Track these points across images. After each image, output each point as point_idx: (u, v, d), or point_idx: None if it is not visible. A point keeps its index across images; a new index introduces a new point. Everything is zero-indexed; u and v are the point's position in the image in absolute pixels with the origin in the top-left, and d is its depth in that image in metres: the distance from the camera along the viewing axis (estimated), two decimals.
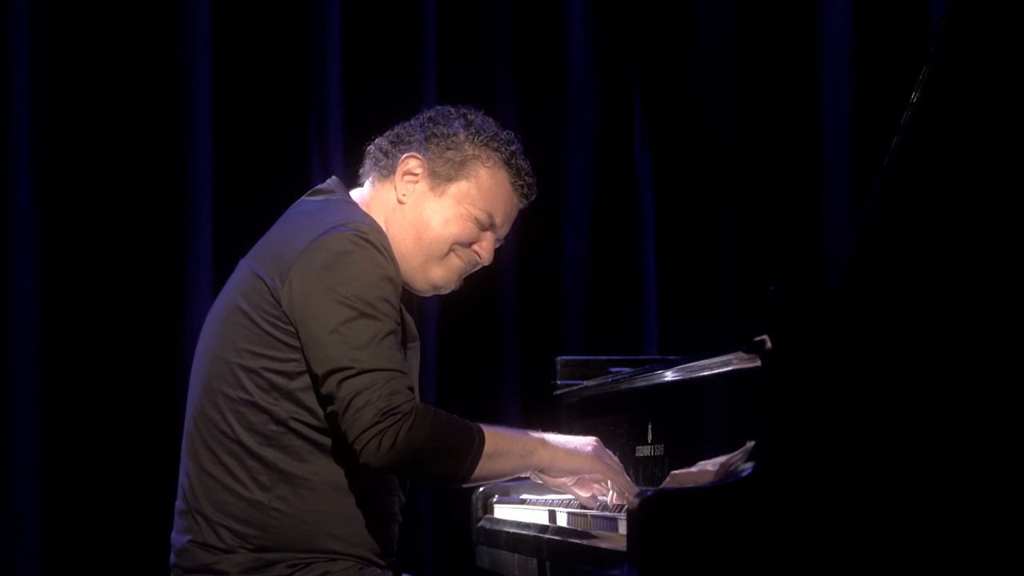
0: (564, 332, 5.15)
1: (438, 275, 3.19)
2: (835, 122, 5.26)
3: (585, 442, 3.09)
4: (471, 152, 3.18)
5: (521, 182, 3.22)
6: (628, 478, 3.09)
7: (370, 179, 3.25)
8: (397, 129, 3.25)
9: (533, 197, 3.26)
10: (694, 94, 5.27)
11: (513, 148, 3.22)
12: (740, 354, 2.67)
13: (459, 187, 3.17)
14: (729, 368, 2.76)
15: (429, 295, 3.24)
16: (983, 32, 2.84)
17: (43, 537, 4.69)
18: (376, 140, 3.27)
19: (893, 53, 5.15)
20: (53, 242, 4.74)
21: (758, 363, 2.56)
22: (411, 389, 2.94)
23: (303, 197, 3.24)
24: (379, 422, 2.86)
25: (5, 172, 4.72)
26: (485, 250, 3.21)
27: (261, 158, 4.90)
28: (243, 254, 3.17)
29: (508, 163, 3.20)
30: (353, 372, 2.90)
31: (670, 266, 5.23)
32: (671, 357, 3.32)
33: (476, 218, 3.17)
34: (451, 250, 3.18)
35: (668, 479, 2.80)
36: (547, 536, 3.06)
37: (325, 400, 2.95)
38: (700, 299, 5.21)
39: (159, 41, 4.83)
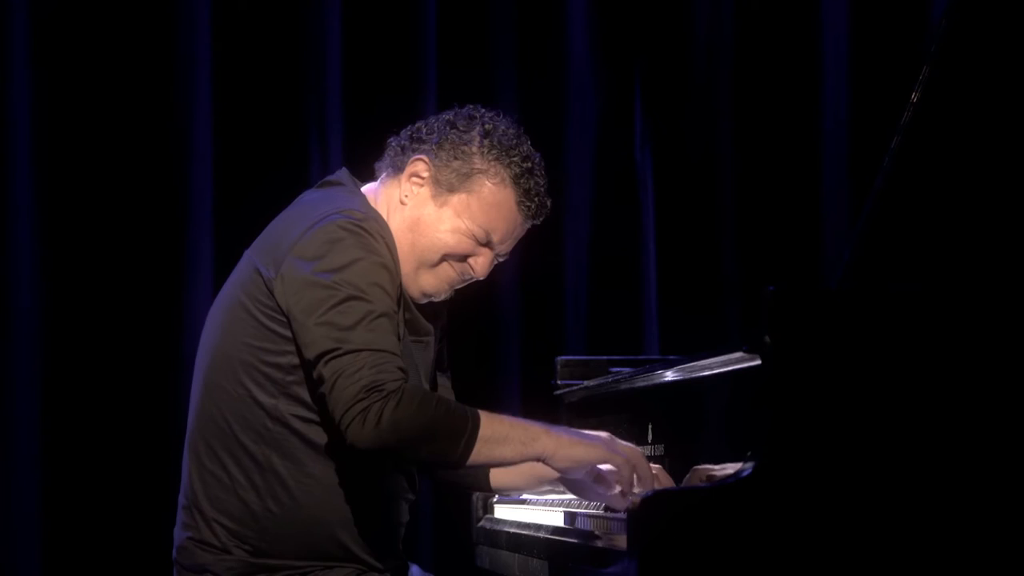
0: (564, 332, 5.14)
1: (428, 283, 3.10)
2: (835, 122, 5.25)
3: (595, 433, 2.95)
4: (479, 166, 3.07)
5: (529, 203, 3.10)
6: (649, 465, 2.91)
7: (384, 173, 3.17)
8: (420, 123, 3.15)
9: (542, 218, 3.15)
10: (694, 93, 5.26)
11: (527, 165, 3.09)
12: (740, 354, 2.67)
13: (460, 199, 3.07)
14: (729, 368, 2.76)
15: (421, 302, 3.14)
16: (983, 32, 2.84)
17: (44, 534, 4.69)
18: (401, 132, 3.17)
19: (893, 53, 5.14)
20: (53, 240, 4.74)
21: (758, 363, 2.56)
22: (403, 370, 2.82)
23: (309, 189, 3.20)
24: (363, 398, 2.74)
25: (5, 171, 4.72)
26: (480, 265, 3.11)
27: (261, 153, 4.89)
28: (243, 250, 3.16)
29: (516, 181, 3.08)
30: (340, 352, 2.80)
31: (670, 265, 5.22)
32: (671, 357, 3.33)
33: (473, 233, 3.07)
34: (443, 259, 3.09)
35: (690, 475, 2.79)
36: (547, 536, 3.06)
37: (315, 386, 2.87)
38: (701, 299, 5.20)
39: (159, 40, 4.82)
